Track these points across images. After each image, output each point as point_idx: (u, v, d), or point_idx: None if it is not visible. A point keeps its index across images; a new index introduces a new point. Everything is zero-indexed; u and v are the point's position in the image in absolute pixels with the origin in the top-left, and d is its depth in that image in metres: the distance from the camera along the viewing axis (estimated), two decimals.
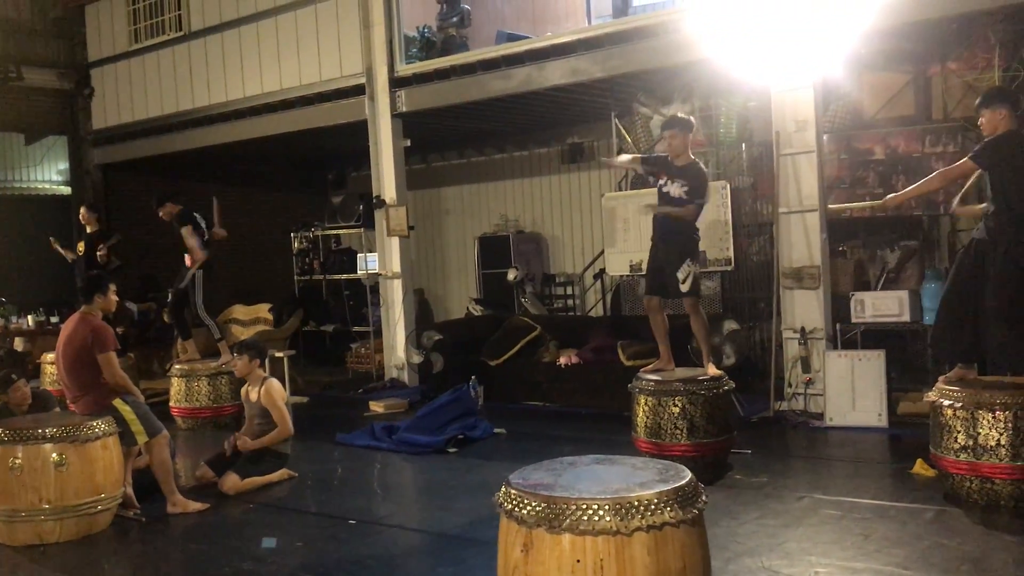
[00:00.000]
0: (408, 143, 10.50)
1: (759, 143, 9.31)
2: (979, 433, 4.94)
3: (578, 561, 3.10)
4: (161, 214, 8.66)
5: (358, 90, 10.49)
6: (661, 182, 6.54)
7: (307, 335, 11.68)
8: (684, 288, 6.29)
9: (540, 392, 8.85)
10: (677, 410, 6.01)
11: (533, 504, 3.20)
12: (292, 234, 12.76)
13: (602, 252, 11.88)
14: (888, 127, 8.67)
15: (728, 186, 9.37)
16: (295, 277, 12.68)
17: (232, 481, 6.18)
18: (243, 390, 6.70)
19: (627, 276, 10.24)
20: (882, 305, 7.37)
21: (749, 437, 6.84)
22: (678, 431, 6.00)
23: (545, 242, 13.75)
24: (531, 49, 9.39)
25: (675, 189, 6.39)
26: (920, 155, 8.51)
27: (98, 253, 9.58)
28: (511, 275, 12.39)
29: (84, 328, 5.67)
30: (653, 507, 3.13)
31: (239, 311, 11.01)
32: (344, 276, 12.04)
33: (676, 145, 6.42)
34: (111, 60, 13.08)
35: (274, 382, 6.59)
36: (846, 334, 7.78)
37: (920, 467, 5.76)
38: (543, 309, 12.33)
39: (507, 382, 8.97)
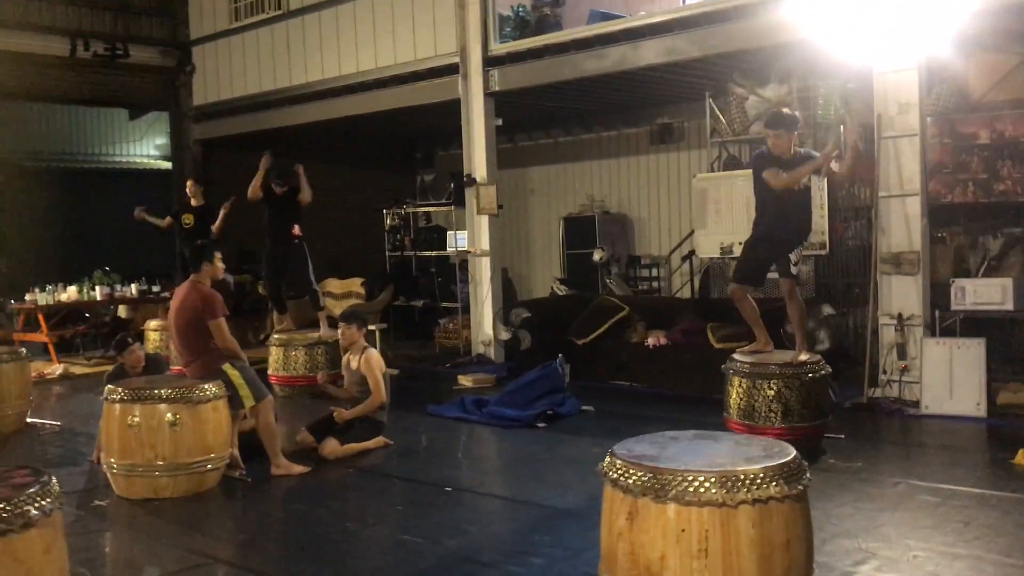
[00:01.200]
0: (500, 122, 10.59)
1: (859, 125, 9.13)
2: None
3: (683, 531, 3.17)
4: (277, 190, 8.92)
5: (451, 69, 10.63)
6: (769, 174, 6.41)
7: (397, 310, 11.92)
8: (794, 271, 6.27)
9: (627, 372, 8.89)
10: (772, 393, 6.00)
11: (639, 474, 3.27)
12: (384, 211, 13.01)
13: (690, 234, 11.86)
14: (996, 110, 8.42)
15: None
16: (386, 253, 12.94)
17: (332, 446, 6.40)
18: (345, 358, 6.91)
19: (717, 258, 10.19)
20: (984, 292, 7.20)
21: (842, 423, 6.78)
22: (772, 414, 5.99)
23: (631, 223, 13.72)
24: (626, 28, 9.38)
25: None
26: None
27: (214, 225, 9.89)
28: (597, 256, 12.43)
29: (195, 295, 5.93)
30: (759, 481, 3.17)
31: (333, 284, 11.30)
32: (433, 253, 12.23)
33: (783, 145, 6.31)
34: (212, 38, 13.49)
35: (374, 352, 6.79)
36: (944, 322, 7.62)
37: (1022, 457, 5.65)
38: (628, 290, 12.35)
39: (594, 361, 9.03)
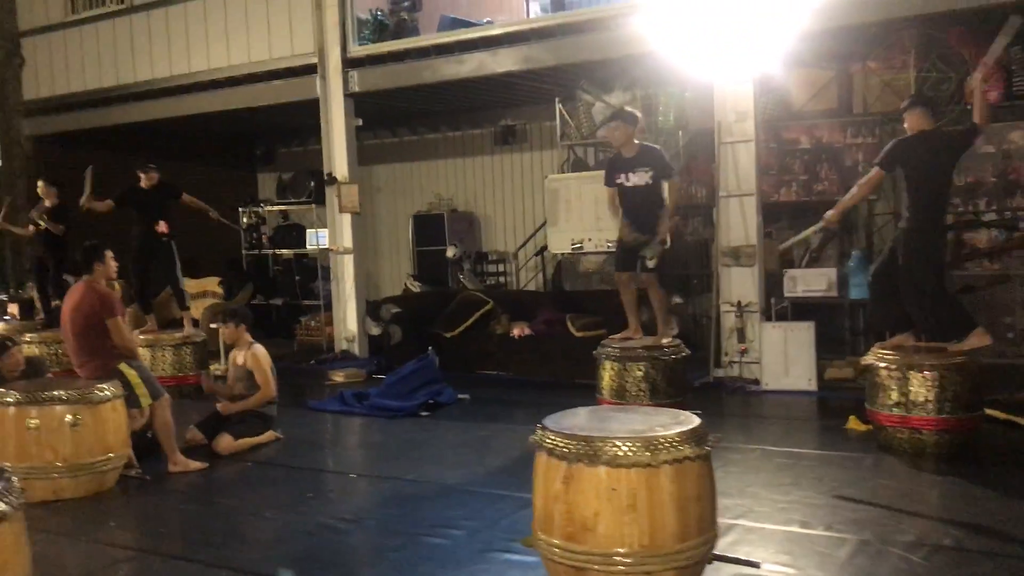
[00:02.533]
0: (360, 123, 10.84)
1: (695, 131, 10.01)
2: (910, 391, 5.72)
3: (614, 489, 3.66)
4: (144, 181, 8.79)
5: (308, 69, 10.77)
6: (620, 180, 7.04)
7: (256, 308, 11.91)
8: (650, 265, 6.90)
9: (495, 362, 9.40)
10: (641, 374, 6.66)
11: (574, 444, 3.73)
12: (240, 209, 12.91)
13: (537, 230, 12.55)
14: (814, 119, 9.49)
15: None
16: (243, 251, 12.85)
17: (226, 442, 6.53)
18: (232, 355, 7.02)
19: (568, 253, 10.84)
20: (812, 281, 8.17)
21: (694, 401, 7.51)
22: (641, 392, 6.64)
23: (478, 221, 14.22)
24: (486, 36, 9.86)
25: (638, 178, 6.93)
26: (842, 145, 9.37)
27: (55, 225, 9.54)
28: (450, 252, 12.86)
29: (91, 295, 5.93)
30: (676, 443, 3.71)
31: (188, 284, 11.15)
32: (292, 251, 12.29)
33: (619, 136, 6.95)
34: (45, 30, 12.93)
35: (260, 347, 6.95)
36: (777, 307, 8.56)
37: (854, 423, 6.55)
38: (479, 285, 12.86)
39: (462, 353, 9.48)
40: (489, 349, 9.44)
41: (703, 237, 10.33)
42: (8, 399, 5.56)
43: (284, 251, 12.50)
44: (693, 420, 3.95)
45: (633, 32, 8.82)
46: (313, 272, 11.83)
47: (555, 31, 9.47)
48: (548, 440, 3.85)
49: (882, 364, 5.88)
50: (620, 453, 3.66)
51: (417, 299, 10.94)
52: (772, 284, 8.74)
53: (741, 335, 8.52)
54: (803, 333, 8.02)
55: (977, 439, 5.86)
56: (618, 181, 7.04)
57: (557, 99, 10.97)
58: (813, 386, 7.92)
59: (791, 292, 8.30)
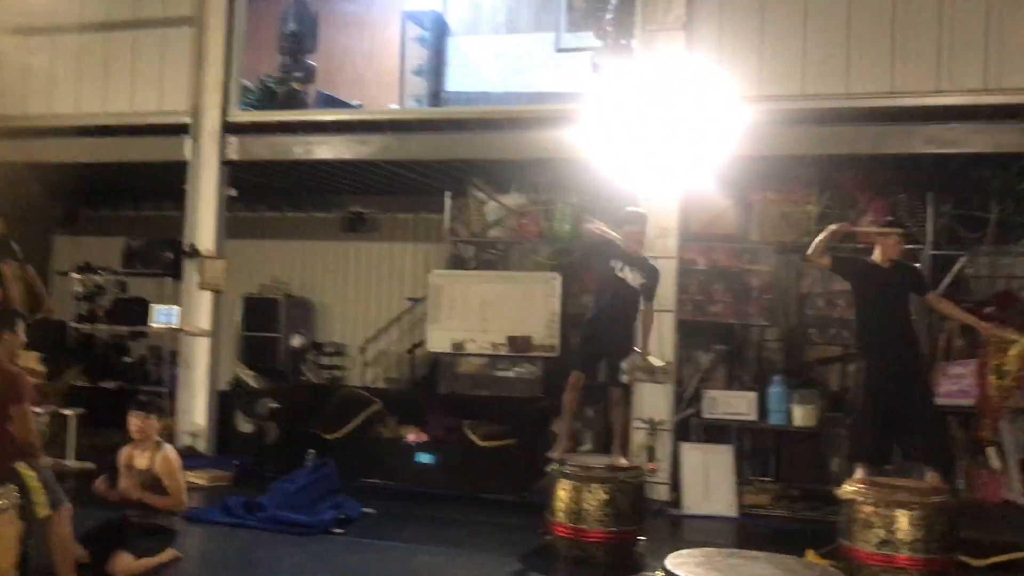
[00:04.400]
0: (235, 193, 9.84)
1: (594, 242, 9.86)
2: (897, 529, 5.63)
3: None
4: None
5: (177, 129, 9.69)
6: (616, 264, 6.67)
7: (84, 392, 10.25)
8: (624, 379, 6.52)
9: (384, 470, 8.53)
10: (606, 496, 6.17)
11: None
12: (74, 275, 11.23)
13: (391, 324, 11.95)
14: (712, 241, 9.64)
15: (559, 278, 9.82)
16: (71, 325, 11.12)
17: (125, 562, 5.32)
18: (125, 452, 5.80)
19: (448, 353, 10.23)
20: (733, 403, 8.11)
21: None
22: (606, 517, 6.14)
23: (315, 309, 13.31)
24: (393, 119, 9.35)
25: (634, 277, 6.60)
26: (738, 270, 9.55)
27: None
28: (296, 341, 11.90)
29: None
30: None
31: None
32: (132, 328, 10.79)
33: (637, 240, 6.67)
34: None
35: (171, 448, 5.82)
36: (697, 428, 8.43)
37: (812, 557, 6.38)
38: (322, 378, 11.96)
39: (346, 458, 8.53)
40: (379, 455, 8.58)
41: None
42: None
43: (123, 327, 10.95)
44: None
45: (539, 135, 8.67)
46: (158, 354, 10.42)
47: (459, 124, 9.14)
48: None
49: (865, 500, 5.78)
50: None
51: (292, 394, 9.85)
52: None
53: (651, 453, 8.27)
54: (722, 455, 7.91)
55: None
56: (611, 264, 6.62)
57: (448, 194, 10.53)
58: (734, 512, 7.77)
59: (711, 412, 8.20)
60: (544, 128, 8.77)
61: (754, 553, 3.91)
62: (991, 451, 8.48)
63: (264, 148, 9.61)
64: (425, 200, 12.09)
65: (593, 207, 9.93)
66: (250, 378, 11.53)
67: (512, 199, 10.25)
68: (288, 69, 9.94)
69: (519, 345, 9.85)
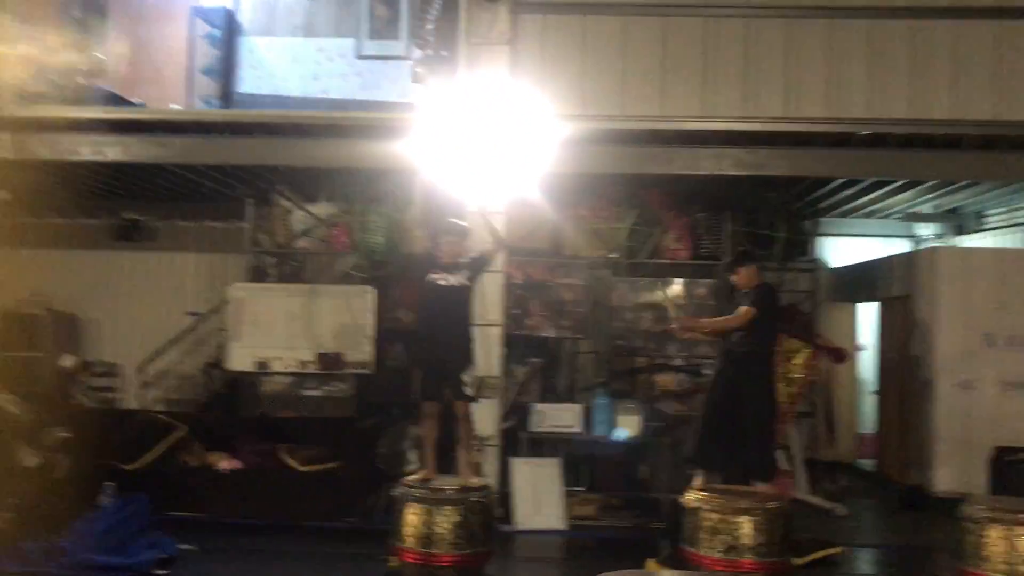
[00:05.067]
0: (8, 197, 8.70)
1: (407, 254, 9.66)
2: (741, 534, 5.87)
3: None
4: None
5: None
6: (435, 275, 6.44)
7: None
8: (470, 391, 6.34)
9: (193, 502, 7.83)
10: (459, 519, 5.98)
11: None
12: None
13: (173, 342, 11.18)
14: (527, 256, 9.73)
15: (373, 291, 9.53)
16: None
17: None
18: None
19: (250, 373, 9.64)
20: (560, 416, 8.18)
21: None
22: (459, 540, 5.96)
23: (82, 325, 12.15)
24: (200, 121, 8.68)
25: (456, 279, 6.37)
26: (552, 284, 9.71)
27: None
28: (68, 362, 10.76)
29: None
30: None
31: None
32: None
33: (456, 253, 6.47)
34: None
35: None
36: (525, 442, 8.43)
37: (652, 565, 6.55)
38: (94, 401, 10.92)
39: (149, 490, 7.76)
40: (188, 485, 7.87)
41: (406, 364, 9.88)
42: None
43: None
44: None
45: (350, 145, 8.43)
46: None
47: (272, 127, 8.64)
48: None
49: (712, 508, 5.97)
50: None
51: (83, 420, 8.81)
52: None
53: (478, 470, 8.17)
54: (550, 469, 7.96)
55: None
56: (431, 277, 6.38)
57: (250, 201, 9.94)
58: (564, 524, 7.83)
59: (539, 426, 8.22)
60: (357, 137, 8.50)
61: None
62: (781, 454, 9.13)
63: (45, 147, 8.60)
64: (213, 208, 11.38)
65: (409, 219, 9.78)
66: (11, 403, 10.30)
67: (322, 208, 9.84)
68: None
69: (330, 362, 9.45)
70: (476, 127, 8.08)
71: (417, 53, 9.14)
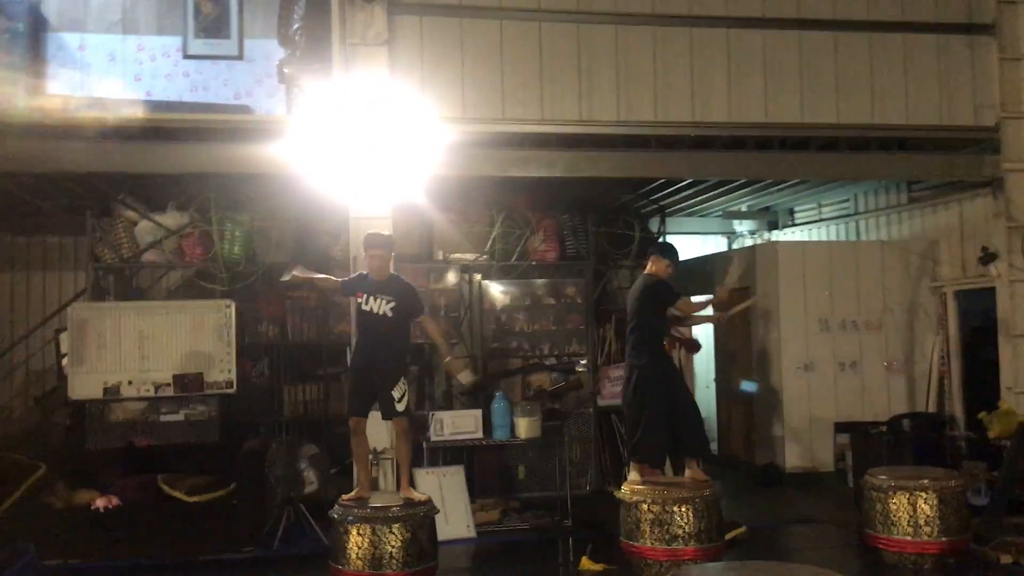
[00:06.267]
0: None
1: (268, 265, 9.15)
2: (673, 523, 6.06)
3: None
4: None
5: None
6: (361, 300, 6.17)
7: None
8: (400, 408, 6.08)
9: (64, 547, 6.97)
10: (408, 535, 5.76)
11: None
12: None
13: None
14: (400, 261, 9.48)
15: (233, 306, 8.95)
16: None
17: None
18: None
19: (98, 401, 8.75)
20: (461, 423, 8.03)
21: None
22: (409, 558, 5.74)
23: None
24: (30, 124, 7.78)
25: (380, 306, 6.13)
26: (425, 289, 9.52)
27: None
28: None
29: None
30: None
31: None
32: None
33: (379, 266, 6.20)
34: None
35: None
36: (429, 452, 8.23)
37: (587, 563, 6.62)
38: None
39: (12, 537, 6.86)
40: (55, 529, 7.00)
41: (269, 382, 9.36)
42: None
43: None
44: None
45: (205, 148, 7.97)
46: None
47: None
48: None
49: (653, 500, 6.11)
50: None
51: None
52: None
53: (375, 484, 7.91)
54: (454, 478, 7.84)
55: None
56: (359, 299, 6.11)
57: (89, 212, 9.05)
58: (472, 532, 7.73)
59: (439, 435, 8.02)
60: (208, 140, 8.05)
61: (759, 563, 3.96)
62: None
63: None
64: (34, 221, 10.30)
65: (270, 226, 9.31)
66: None
67: (172, 218, 9.12)
68: None
69: (189, 384, 8.78)
70: (355, 129, 7.86)
71: (282, 53, 8.65)
